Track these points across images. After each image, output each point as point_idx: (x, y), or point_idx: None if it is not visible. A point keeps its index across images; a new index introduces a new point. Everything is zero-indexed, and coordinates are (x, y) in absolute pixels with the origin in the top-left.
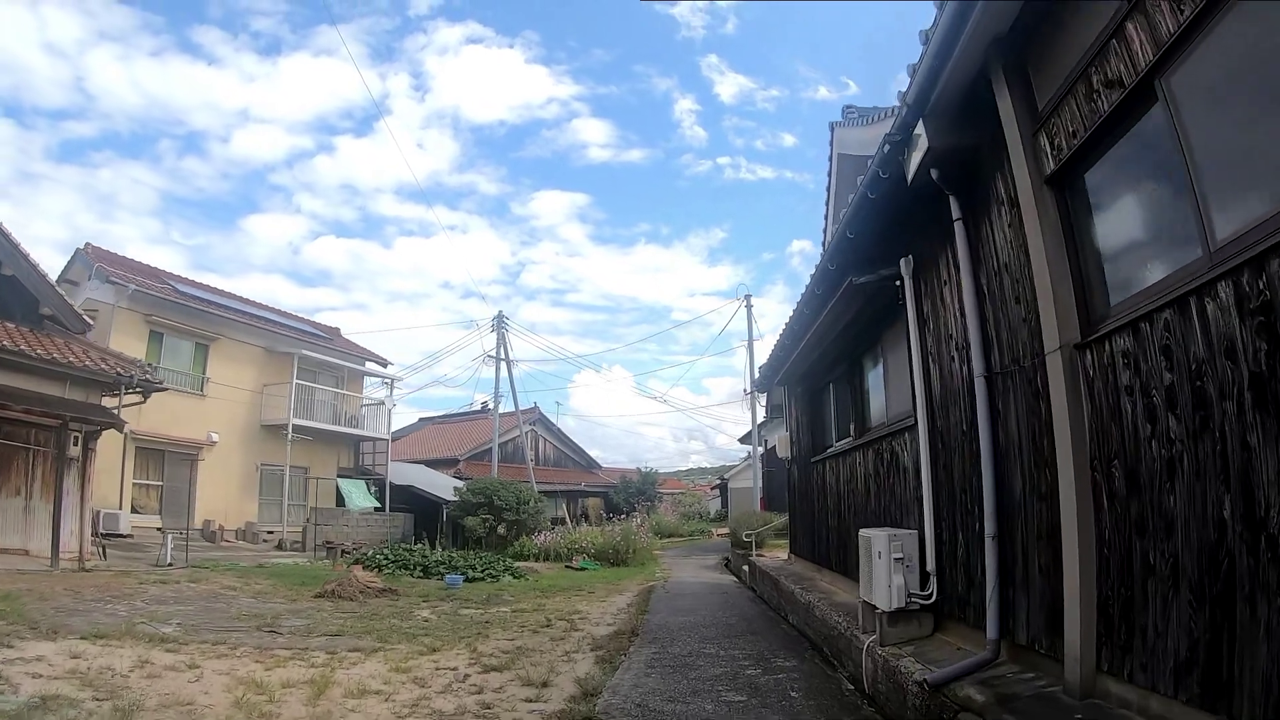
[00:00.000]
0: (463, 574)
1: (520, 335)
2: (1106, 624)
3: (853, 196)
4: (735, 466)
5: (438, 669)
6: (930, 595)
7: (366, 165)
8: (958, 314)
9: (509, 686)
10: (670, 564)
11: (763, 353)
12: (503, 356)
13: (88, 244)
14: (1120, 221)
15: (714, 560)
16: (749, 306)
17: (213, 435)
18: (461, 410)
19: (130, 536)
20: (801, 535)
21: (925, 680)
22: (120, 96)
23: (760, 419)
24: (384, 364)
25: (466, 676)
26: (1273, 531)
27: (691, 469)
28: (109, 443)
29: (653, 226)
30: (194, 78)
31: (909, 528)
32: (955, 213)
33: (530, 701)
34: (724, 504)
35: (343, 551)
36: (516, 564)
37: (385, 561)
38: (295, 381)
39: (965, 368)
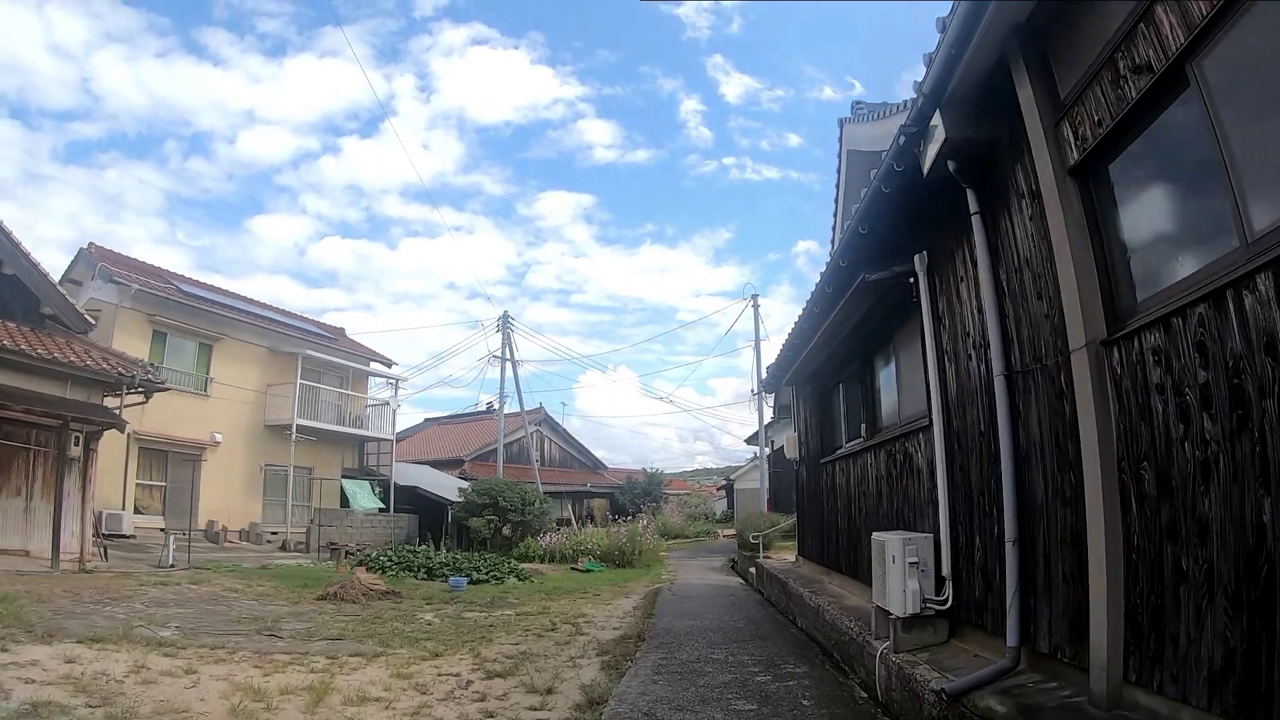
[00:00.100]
0: (467, 576)
1: (526, 336)
2: (1135, 632)
3: (865, 191)
4: (741, 467)
5: (440, 675)
6: (946, 600)
7: (372, 166)
8: (975, 311)
9: (513, 693)
10: (676, 565)
11: (769, 353)
12: (508, 356)
13: (91, 243)
14: (1148, 213)
15: (720, 562)
16: (756, 306)
17: (216, 436)
18: (467, 411)
19: (133, 537)
20: (810, 537)
21: (944, 690)
22: (126, 98)
23: (767, 419)
24: (389, 364)
25: (469, 683)
26: None
27: (697, 470)
28: (112, 443)
29: (658, 227)
30: (200, 79)
31: (923, 531)
32: (973, 206)
33: (534, 710)
34: (730, 505)
35: (346, 553)
36: (521, 566)
37: (389, 563)
38: (299, 382)
39: (983, 366)
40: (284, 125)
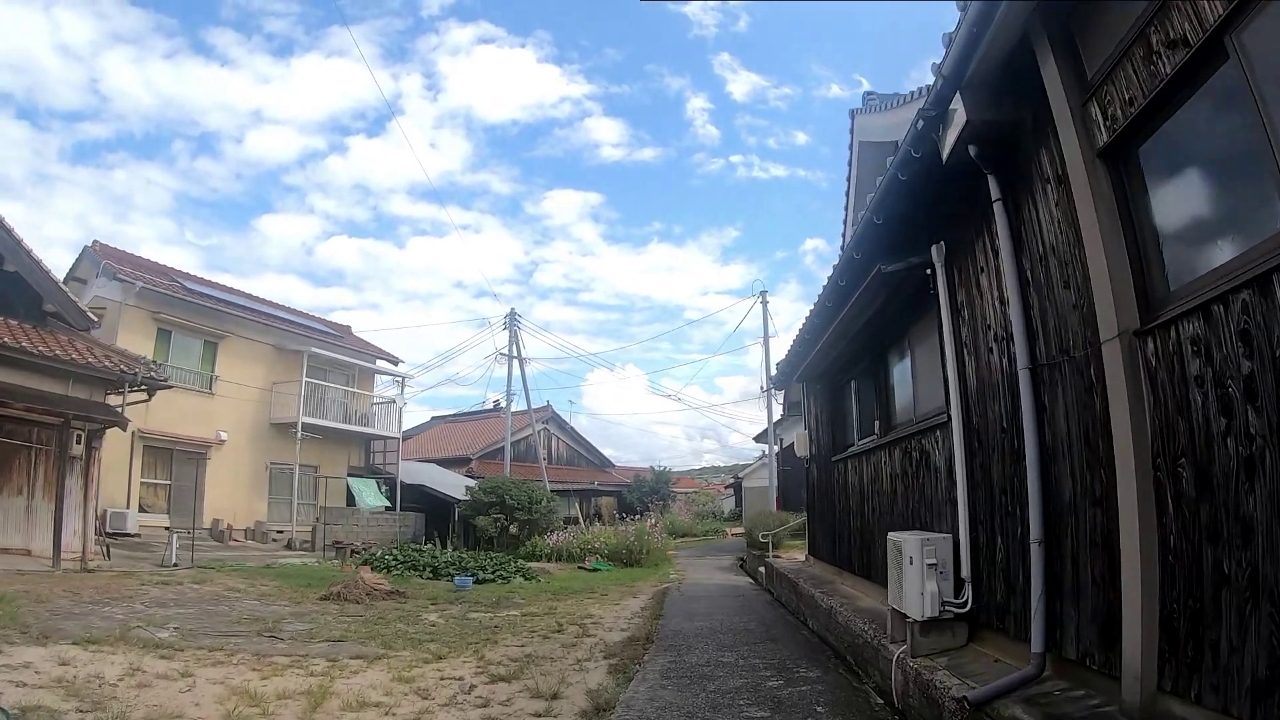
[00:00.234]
0: (472, 575)
1: (533, 334)
2: (1170, 639)
3: (881, 180)
4: (750, 466)
5: (443, 678)
6: (965, 603)
7: (379, 165)
8: (996, 303)
9: (517, 699)
10: (684, 565)
11: (777, 350)
12: (515, 354)
13: (95, 241)
14: (1183, 195)
15: (729, 561)
16: (764, 303)
17: (221, 434)
18: (474, 409)
19: (138, 536)
20: (821, 536)
21: (966, 698)
22: (134, 98)
23: (776, 417)
24: (395, 362)
25: (472, 687)
26: None
27: (705, 468)
28: (116, 441)
29: (665, 225)
30: (207, 79)
31: (940, 531)
32: (994, 193)
33: (539, 716)
34: (738, 503)
35: (352, 551)
36: (528, 565)
37: (394, 562)
38: (305, 380)
39: (1006, 360)
40: (291, 125)
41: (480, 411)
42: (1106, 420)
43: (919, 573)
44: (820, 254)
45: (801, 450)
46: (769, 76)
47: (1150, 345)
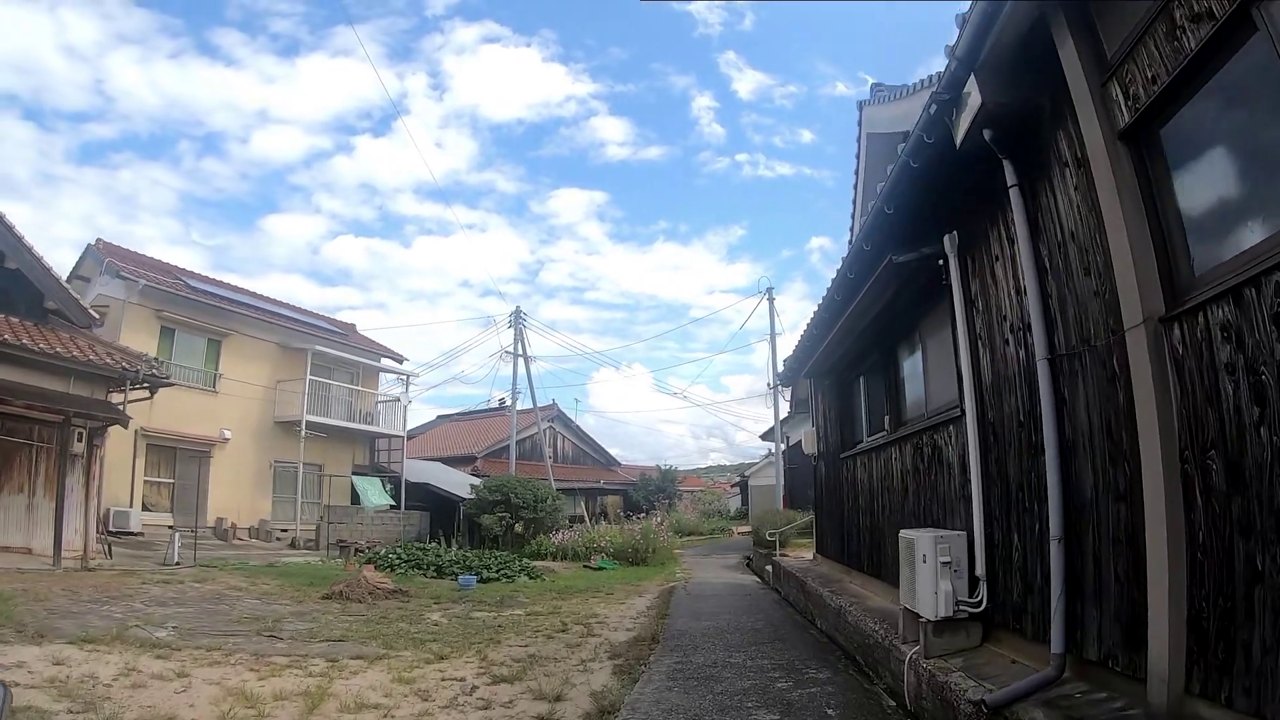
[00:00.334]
0: (477, 574)
1: (539, 333)
2: (1199, 639)
3: (891, 168)
4: (756, 464)
5: (444, 679)
6: (980, 603)
7: (385, 165)
8: (1012, 292)
9: (519, 701)
10: (691, 563)
11: (784, 348)
12: (520, 353)
13: (99, 239)
14: (1209, 176)
15: (735, 559)
16: (771, 300)
17: (225, 432)
18: (479, 408)
19: (141, 535)
20: (829, 535)
21: (983, 700)
22: (139, 98)
23: (783, 414)
24: (399, 360)
25: (474, 689)
26: None
27: (711, 467)
28: (120, 440)
29: (671, 224)
30: (213, 79)
31: (953, 528)
32: (1010, 179)
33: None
34: (744, 502)
35: (356, 550)
36: (533, 563)
37: (398, 561)
38: (309, 378)
39: (1023, 351)
40: (297, 124)
41: (486, 410)
42: (1130, 411)
43: (932, 571)
44: (826, 252)
45: (809, 447)
46: (774, 75)
47: (1176, 332)
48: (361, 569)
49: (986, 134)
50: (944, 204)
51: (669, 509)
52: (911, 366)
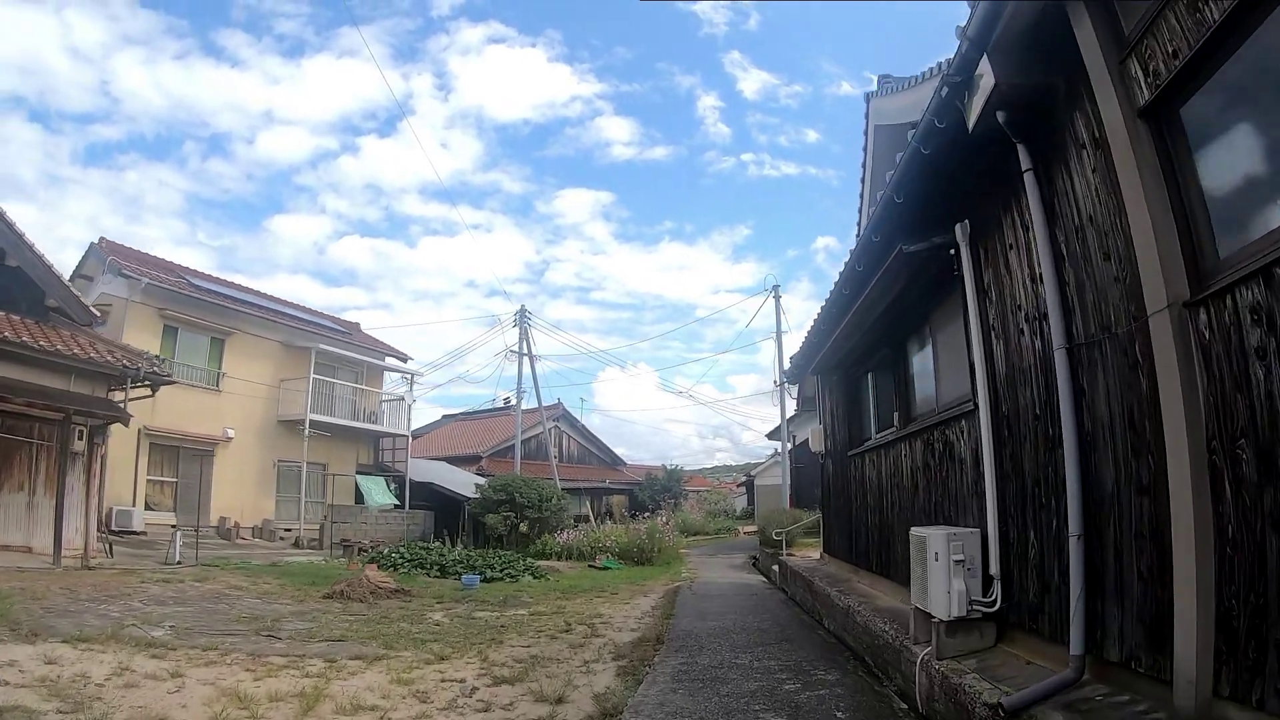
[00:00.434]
0: (481, 573)
1: (545, 332)
2: (1229, 639)
3: (901, 156)
4: (761, 464)
5: (444, 680)
6: (994, 602)
7: (391, 165)
8: (1027, 280)
9: (520, 703)
10: (696, 563)
11: (789, 347)
12: (525, 351)
13: (102, 238)
14: (1234, 153)
15: (741, 559)
16: (777, 297)
17: (229, 431)
18: (485, 407)
19: (144, 534)
20: (836, 533)
21: (1000, 704)
22: (145, 99)
23: (790, 412)
24: (404, 359)
25: (474, 690)
26: None
27: (717, 466)
28: (123, 438)
29: (677, 224)
30: (218, 80)
31: (966, 526)
32: (1025, 163)
33: None
34: (750, 502)
35: (360, 550)
36: (538, 563)
37: (401, 560)
38: (313, 376)
39: (1039, 341)
40: (302, 125)
41: (491, 410)
42: (1154, 400)
43: (945, 570)
44: (831, 252)
45: (816, 445)
46: (779, 74)
47: (1203, 316)
48: (364, 568)
49: (1000, 116)
50: (955, 191)
51: (674, 509)
52: (921, 360)
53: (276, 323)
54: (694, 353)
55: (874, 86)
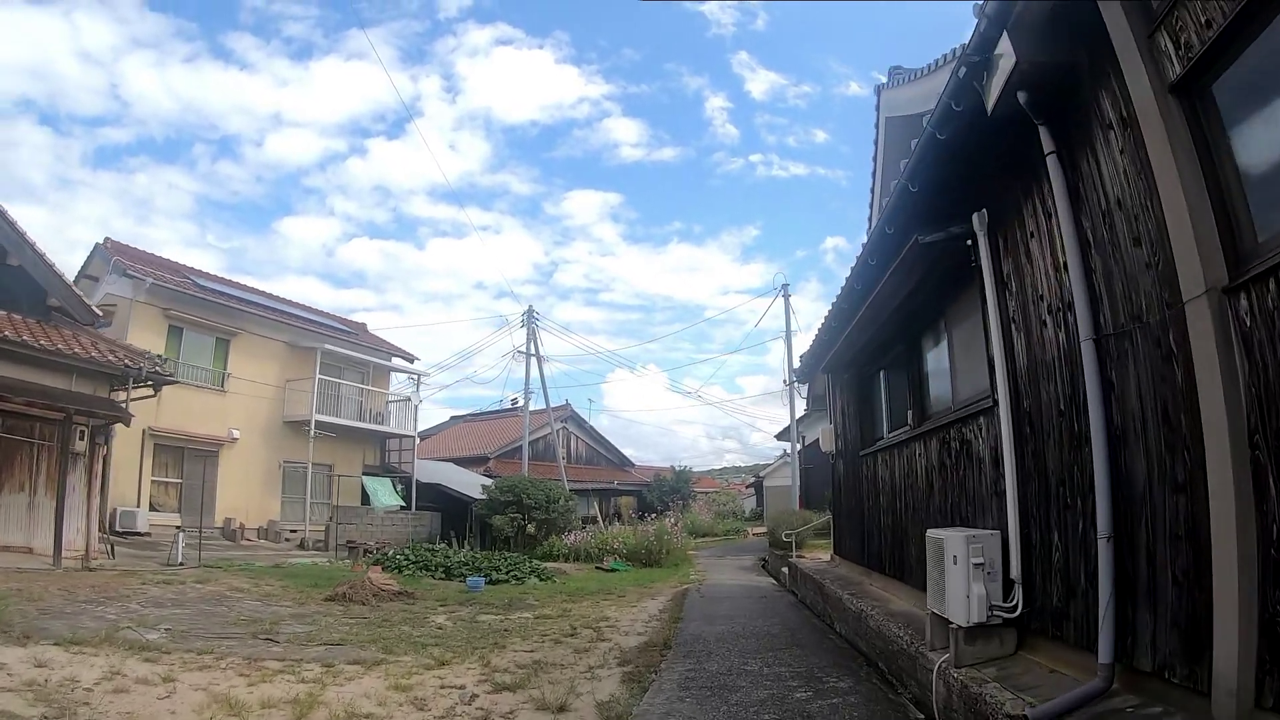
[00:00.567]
0: (486, 576)
1: (554, 334)
2: (1272, 647)
3: (916, 143)
4: (770, 465)
5: (443, 686)
6: (1015, 607)
7: (399, 167)
8: (1050, 270)
9: (520, 711)
10: (705, 565)
11: (799, 347)
12: (533, 352)
13: (107, 238)
14: (1273, 129)
15: (750, 561)
16: (786, 297)
17: (234, 432)
18: (492, 408)
19: (148, 535)
20: (847, 535)
21: (1025, 715)
22: (154, 102)
23: (800, 412)
24: (411, 360)
25: (474, 697)
26: None
27: (726, 468)
28: (127, 439)
29: (685, 225)
30: (227, 83)
31: (984, 527)
32: (1047, 146)
33: None
34: (759, 503)
35: (365, 551)
36: (544, 565)
37: (405, 562)
38: (319, 377)
39: (1063, 333)
40: (311, 128)
41: (498, 411)
42: (1191, 392)
43: (964, 573)
44: (841, 252)
45: (826, 445)
46: (788, 75)
47: (1243, 302)
48: (367, 570)
49: (1021, 97)
50: (973, 178)
51: (683, 510)
52: (936, 356)
53: (282, 323)
54: (703, 353)
55: (884, 81)
